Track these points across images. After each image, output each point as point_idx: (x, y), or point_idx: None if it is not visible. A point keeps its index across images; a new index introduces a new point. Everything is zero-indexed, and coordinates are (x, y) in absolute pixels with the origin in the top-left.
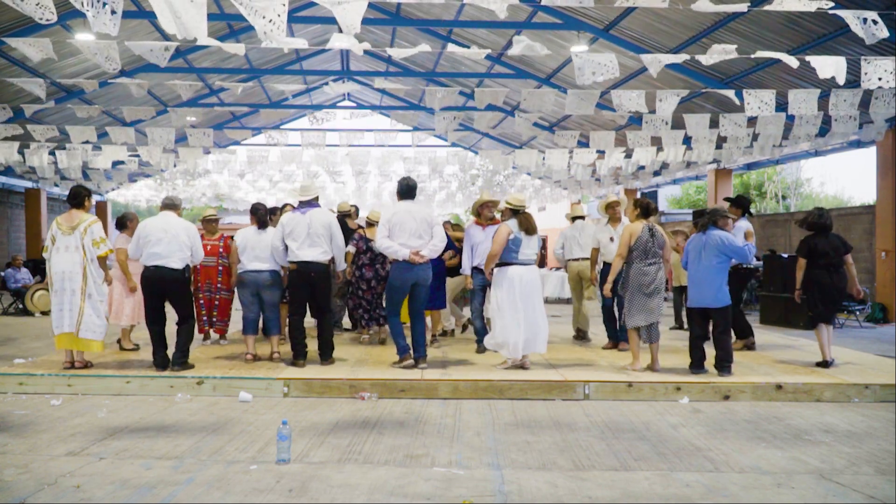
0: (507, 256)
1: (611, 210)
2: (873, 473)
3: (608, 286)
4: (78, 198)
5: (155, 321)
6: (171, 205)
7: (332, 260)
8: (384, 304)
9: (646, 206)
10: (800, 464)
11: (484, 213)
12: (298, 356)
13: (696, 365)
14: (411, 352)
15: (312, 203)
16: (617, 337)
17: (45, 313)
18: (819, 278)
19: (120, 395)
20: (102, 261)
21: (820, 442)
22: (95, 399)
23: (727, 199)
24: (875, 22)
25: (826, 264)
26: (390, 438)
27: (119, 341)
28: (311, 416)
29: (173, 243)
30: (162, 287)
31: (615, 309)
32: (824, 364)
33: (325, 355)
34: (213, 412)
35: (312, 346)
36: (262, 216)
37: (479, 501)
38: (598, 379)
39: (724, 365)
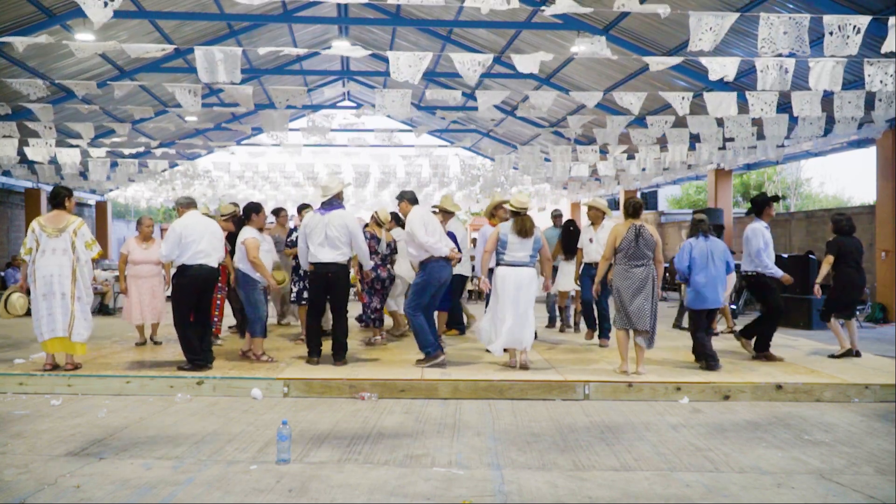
0: (496, 257)
1: (589, 213)
2: (873, 473)
3: (596, 287)
4: (59, 198)
5: (189, 322)
6: (194, 203)
7: (352, 261)
8: (410, 303)
9: (632, 207)
10: (800, 464)
11: (499, 213)
12: (312, 354)
13: (715, 360)
14: (442, 350)
15: (335, 203)
16: (594, 327)
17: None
18: (851, 277)
19: (120, 395)
20: (94, 262)
21: (820, 442)
22: (95, 399)
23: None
24: (857, 30)
25: (854, 263)
26: (390, 438)
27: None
28: (311, 416)
29: (213, 241)
30: (203, 286)
31: (594, 305)
32: (855, 353)
33: (338, 356)
34: (213, 412)
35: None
36: (240, 218)
37: (479, 501)
38: (598, 379)
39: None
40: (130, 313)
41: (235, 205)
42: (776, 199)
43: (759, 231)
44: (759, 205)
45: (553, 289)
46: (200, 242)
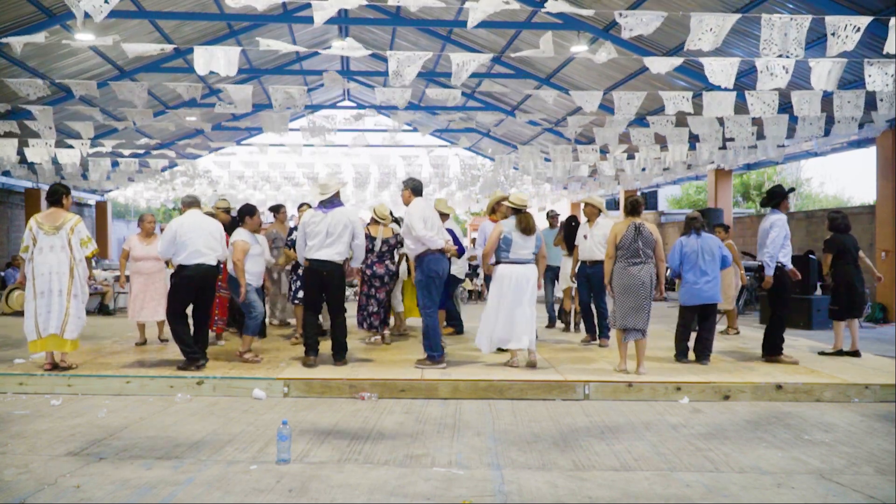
0: (498, 255)
1: (585, 210)
2: (873, 473)
3: (607, 288)
4: (56, 195)
5: (184, 319)
6: (196, 202)
7: (349, 259)
8: (422, 302)
9: (630, 204)
10: (800, 464)
11: (500, 210)
12: (309, 353)
13: (684, 354)
14: (443, 357)
15: (335, 201)
16: (594, 331)
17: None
18: (852, 275)
19: (120, 395)
20: (88, 261)
21: (820, 442)
22: (95, 399)
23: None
24: (857, 29)
25: (852, 260)
26: (390, 438)
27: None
28: (311, 416)
29: (210, 240)
30: (201, 284)
31: (591, 306)
32: (854, 353)
33: (338, 356)
34: (213, 412)
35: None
36: (234, 220)
37: (479, 501)
38: (598, 379)
39: (707, 353)
40: (133, 310)
41: (225, 199)
42: (792, 190)
43: (779, 222)
44: (779, 196)
45: (557, 289)
46: (196, 242)
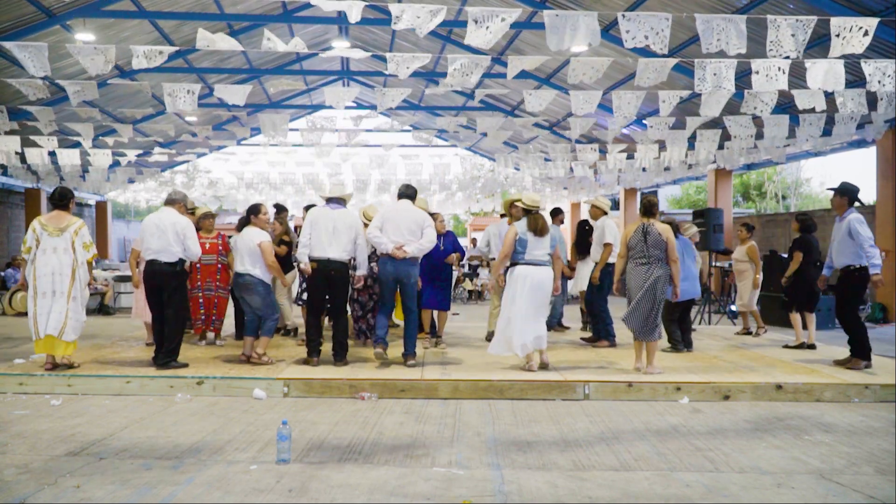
0: (513, 257)
1: (590, 211)
2: (873, 473)
3: (616, 284)
4: (64, 199)
5: (157, 318)
6: (170, 200)
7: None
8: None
9: (642, 206)
10: (800, 464)
11: (513, 212)
12: (312, 354)
13: (678, 342)
14: (382, 344)
15: (341, 203)
16: (599, 334)
17: (23, 314)
18: (810, 273)
19: (120, 395)
20: (90, 264)
21: (820, 442)
22: (95, 399)
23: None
24: (865, 32)
25: (816, 260)
26: (390, 438)
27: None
28: (311, 416)
29: (163, 238)
30: (157, 281)
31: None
32: (811, 346)
33: (339, 356)
34: (213, 412)
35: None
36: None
37: (479, 501)
38: (598, 379)
39: (690, 341)
40: (143, 311)
41: (194, 204)
42: (846, 191)
43: (864, 222)
44: (857, 193)
45: (574, 289)
46: (151, 240)
